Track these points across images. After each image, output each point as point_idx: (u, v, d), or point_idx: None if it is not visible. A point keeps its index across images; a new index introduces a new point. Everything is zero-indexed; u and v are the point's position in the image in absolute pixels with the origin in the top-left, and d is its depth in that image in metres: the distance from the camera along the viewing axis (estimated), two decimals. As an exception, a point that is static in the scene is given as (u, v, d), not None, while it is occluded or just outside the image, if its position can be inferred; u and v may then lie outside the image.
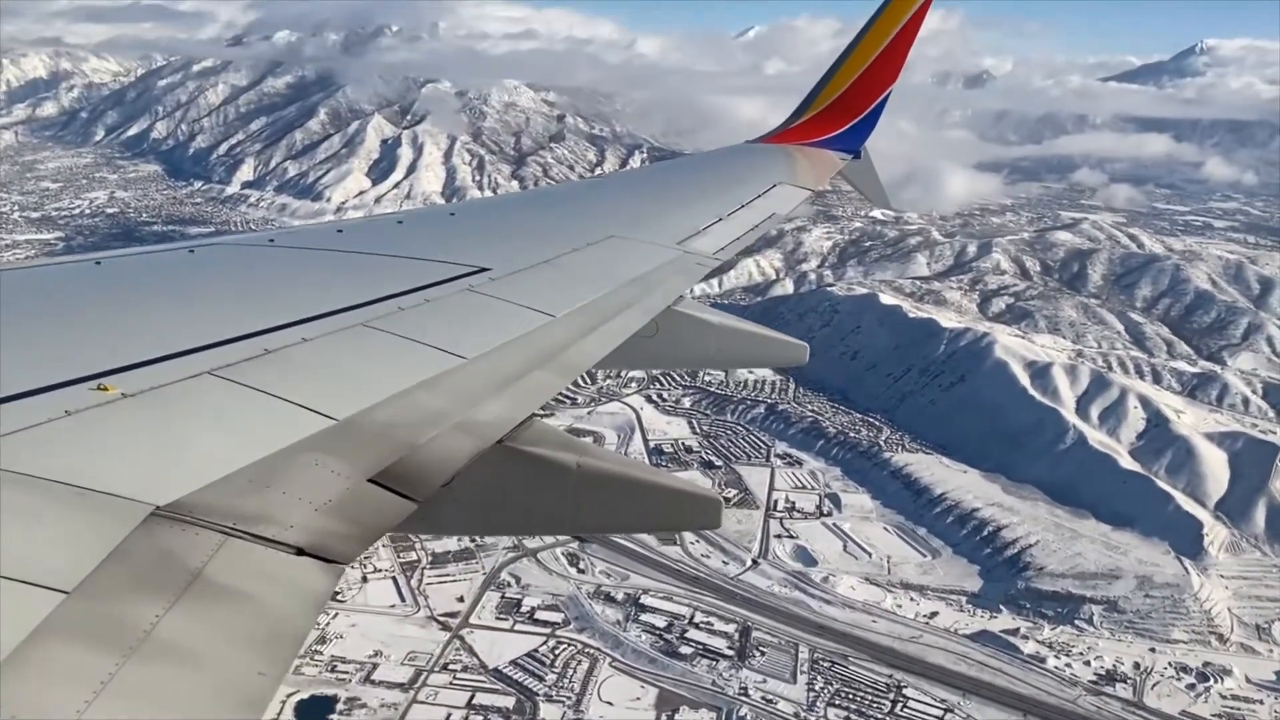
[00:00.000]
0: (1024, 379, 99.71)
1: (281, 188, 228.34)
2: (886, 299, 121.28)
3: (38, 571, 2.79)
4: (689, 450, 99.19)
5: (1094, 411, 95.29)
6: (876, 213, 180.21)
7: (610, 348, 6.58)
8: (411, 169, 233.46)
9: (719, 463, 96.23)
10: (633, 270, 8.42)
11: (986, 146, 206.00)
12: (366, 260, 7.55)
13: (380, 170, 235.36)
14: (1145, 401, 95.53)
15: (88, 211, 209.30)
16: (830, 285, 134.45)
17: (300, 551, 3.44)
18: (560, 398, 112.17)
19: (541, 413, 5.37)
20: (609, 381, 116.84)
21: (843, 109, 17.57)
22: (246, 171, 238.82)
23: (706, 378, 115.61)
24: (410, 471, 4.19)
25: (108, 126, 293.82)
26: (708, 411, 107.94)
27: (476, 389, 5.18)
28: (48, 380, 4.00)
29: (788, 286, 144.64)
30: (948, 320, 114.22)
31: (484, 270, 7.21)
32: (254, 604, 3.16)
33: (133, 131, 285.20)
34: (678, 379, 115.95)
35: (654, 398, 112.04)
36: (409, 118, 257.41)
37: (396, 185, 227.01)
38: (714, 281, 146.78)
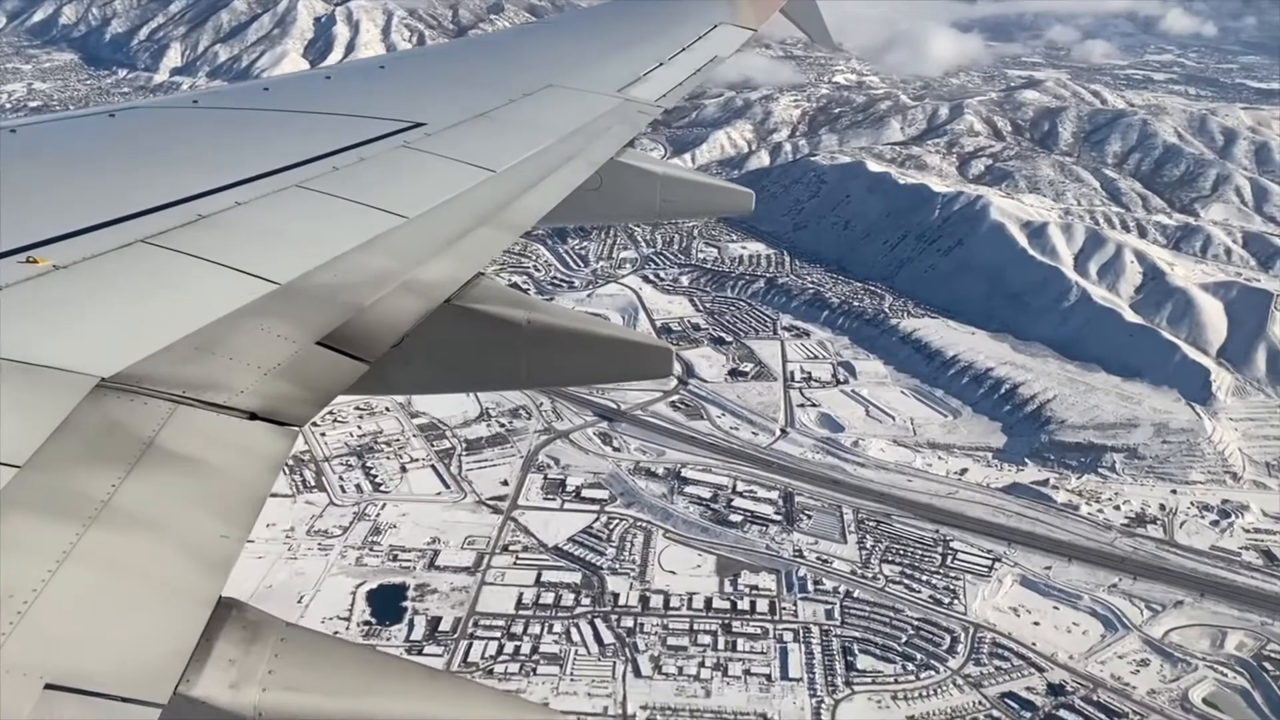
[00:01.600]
0: (1021, 239, 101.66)
1: (214, 73, 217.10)
2: (873, 166, 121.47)
3: None
4: (696, 328, 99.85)
5: (1092, 268, 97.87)
6: (840, 78, 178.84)
7: (554, 202, 6.65)
8: (351, 47, 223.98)
9: (728, 338, 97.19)
10: (573, 121, 8.42)
11: (953, 6, 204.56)
12: (297, 119, 7.47)
13: (317, 50, 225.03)
14: (1140, 256, 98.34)
15: (8, 106, 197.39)
16: (814, 155, 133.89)
17: (253, 416, 3.49)
18: (557, 281, 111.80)
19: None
20: (603, 263, 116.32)
21: None
22: (174, 57, 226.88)
23: (701, 254, 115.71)
24: (359, 333, 4.26)
25: (9, 12, 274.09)
26: (707, 289, 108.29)
27: (421, 248, 5.25)
28: None
29: (764, 159, 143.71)
30: (938, 185, 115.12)
31: (419, 125, 7.18)
32: (210, 469, 3.21)
33: (38, 17, 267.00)
34: (672, 258, 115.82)
35: (651, 277, 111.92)
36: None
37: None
38: (686, 157, 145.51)
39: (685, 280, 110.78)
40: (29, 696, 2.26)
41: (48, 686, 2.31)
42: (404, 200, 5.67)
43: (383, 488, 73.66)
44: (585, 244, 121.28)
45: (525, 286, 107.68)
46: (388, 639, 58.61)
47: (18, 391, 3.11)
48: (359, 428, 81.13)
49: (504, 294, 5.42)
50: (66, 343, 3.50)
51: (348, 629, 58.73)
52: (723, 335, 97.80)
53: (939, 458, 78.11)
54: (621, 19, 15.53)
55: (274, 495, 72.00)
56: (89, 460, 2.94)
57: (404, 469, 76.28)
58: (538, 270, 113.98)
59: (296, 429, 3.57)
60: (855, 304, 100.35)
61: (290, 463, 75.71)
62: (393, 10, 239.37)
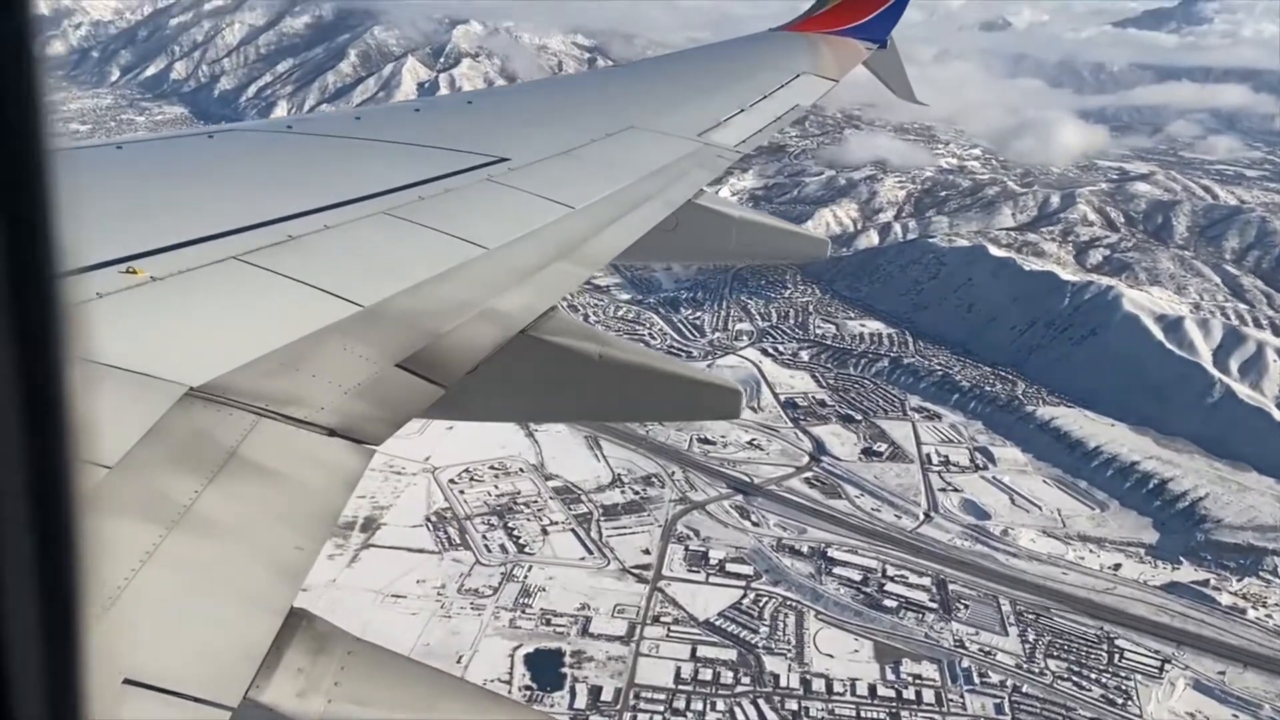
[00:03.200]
0: (1157, 332, 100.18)
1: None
2: (996, 251, 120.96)
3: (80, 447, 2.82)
4: (822, 404, 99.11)
5: (1233, 365, 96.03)
6: (944, 162, 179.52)
7: (631, 240, 6.66)
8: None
9: (857, 416, 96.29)
10: (653, 162, 8.47)
11: (1058, 94, 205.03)
12: (386, 148, 7.59)
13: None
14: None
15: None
16: (930, 237, 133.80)
17: (332, 433, 3.53)
18: (674, 350, 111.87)
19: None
20: (719, 334, 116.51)
21: None
22: (281, 115, 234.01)
23: (819, 330, 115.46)
24: (437, 358, 4.29)
25: (123, 67, 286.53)
26: (829, 365, 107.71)
27: (499, 279, 5.29)
28: (79, 263, 3.98)
29: (873, 238, 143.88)
30: (1067, 273, 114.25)
31: (503, 160, 7.24)
32: (288, 482, 3.26)
33: (150, 72, 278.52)
34: (789, 332, 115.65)
35: (770, 351, 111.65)
36: (443, 60, 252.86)
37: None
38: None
39: (805, 355, 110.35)
40: (109, 690, 2.31)
41: (126, 681, 2.35)
42: (485, 232, 5.77)
43: (527, 549, 73.33)
44: (699, 314, 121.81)
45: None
46: (551, 705, 57.79)
47: (112, 395, 3.20)
48: (496, 487, 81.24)
49: (577, 327, 5.47)
50: (159, 351, 3.60)
51: (510, 693, 57.99)
52: (851, 413, 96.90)
53: (1090, 551, 76.13)
54: (704, 64, 15.58)
55: (420, 550, 72.31)
56: (175, 465, 3.03)
57: (545, 531, 75.99)
58: (653, 339, 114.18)
59: (373, 448, 3.61)
60: (987, 388, 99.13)
61: (433, 519, 75.95)
62: (493, 80, 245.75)
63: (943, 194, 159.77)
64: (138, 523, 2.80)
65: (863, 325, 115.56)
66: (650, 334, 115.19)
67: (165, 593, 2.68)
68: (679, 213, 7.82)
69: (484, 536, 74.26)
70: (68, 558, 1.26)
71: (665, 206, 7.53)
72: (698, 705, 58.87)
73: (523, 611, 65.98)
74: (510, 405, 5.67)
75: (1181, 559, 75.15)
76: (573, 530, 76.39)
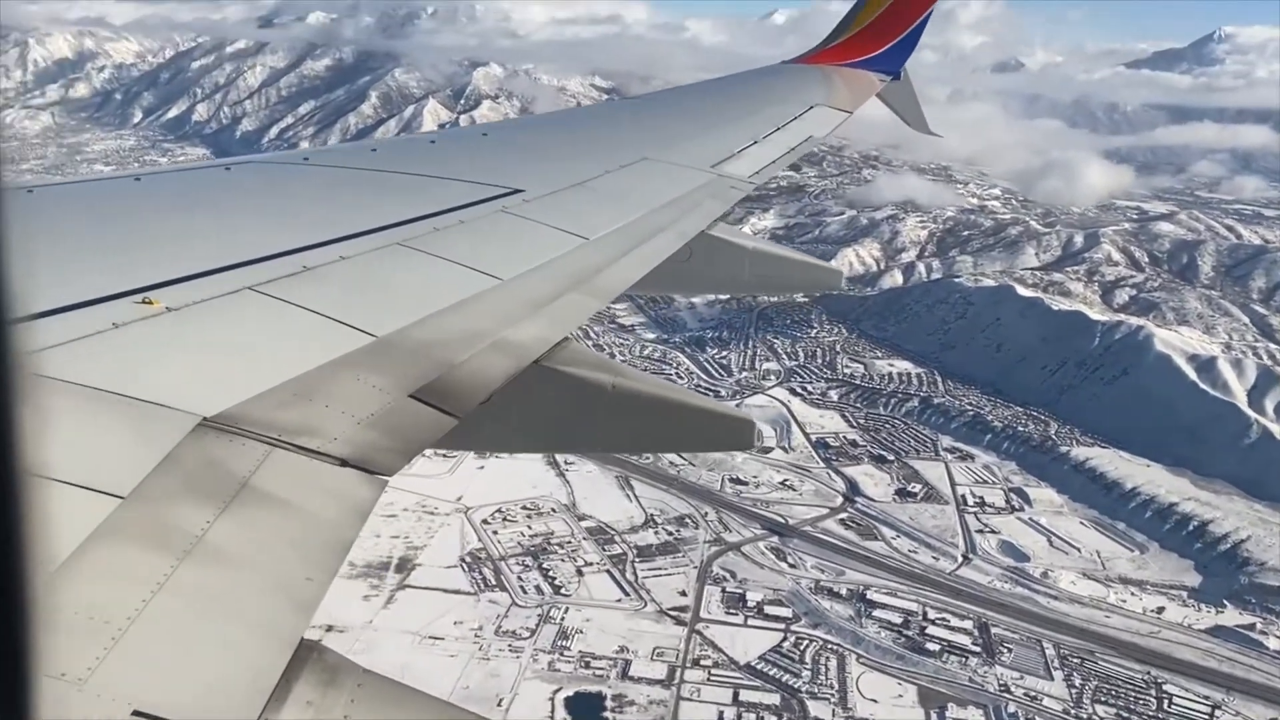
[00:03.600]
0: (1190, 373, 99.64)
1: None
2: (1023, 291, 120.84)
3: (94, 477, 2.88)
4: (854, 444, 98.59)
5: (1269, 405, 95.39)
6: (965, 202, 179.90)
7: (644, 271, 6.66)
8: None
9: (890, 457, 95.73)
10: (666, 194, 8.49)
11: (1077, 134, 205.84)
12: (401, 180, 7.64)
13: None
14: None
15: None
16: (956, 277, 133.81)
17: (344, 463, 3.53)
18: (702, 390, 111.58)
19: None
20: (746, 374, 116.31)
21: (882, 29, 17.18)
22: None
23: (847, 369, 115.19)
24: (450, 388, 4.30)
25: (145, 108, 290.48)
26: (858, 404, 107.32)
27: (513, 310, 5.30)
28: (95, 293, 4.07)
29: (897, 278, 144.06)
30: (1095, 313, 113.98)
31: (517, 192, 7.27)
32: (300, 512, 3.26)
33: (172, 114, 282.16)
34: (817, 371, 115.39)
35: (799, 390, 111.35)
36: (463, 102, 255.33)
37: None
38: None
39: (835, 395, 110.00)
40: None
41: (135, 713, 2.35)
42: (499, 263, 5.81)
43: (563, 590, 72.74)
44: (725, 353, 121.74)
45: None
46: (594, 751, 57.08)
47: (126, 425, 3.24)
48: (529, 527, 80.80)
49: (590, 358, 5.48)
50: (173, 381, 3.60)
51: (552, 737, 57.40)
52: (883, 453, 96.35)
53: (1132, 594, 75.16)
54: (717, 97, 15.55)
55: (456, 592, 71.79)
56: (187, 495, 3.04)
57: (580, 572, 75.38)
58: (680, 378, 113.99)
59: (385, 478, 3.61)
60: (1019, 429, 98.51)
61: (468, 559, 75.50)
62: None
63: (965, 234, 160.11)
64: (149, 553, 2.81)
65: (891, 365, 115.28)
66: (677, 373, 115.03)
67: (175, 623, 2.69)
68: (692, 243, 7.85)
69: (519, 577, 73.74)
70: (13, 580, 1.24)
71: (678, 237, 7.55)
72: (743, 751, 57.99)
73: (561, 654, 65.30)
74: (524, 436, 5.59)
75: (1225, 602, 74.12)
76: (608, 571, 75.80)
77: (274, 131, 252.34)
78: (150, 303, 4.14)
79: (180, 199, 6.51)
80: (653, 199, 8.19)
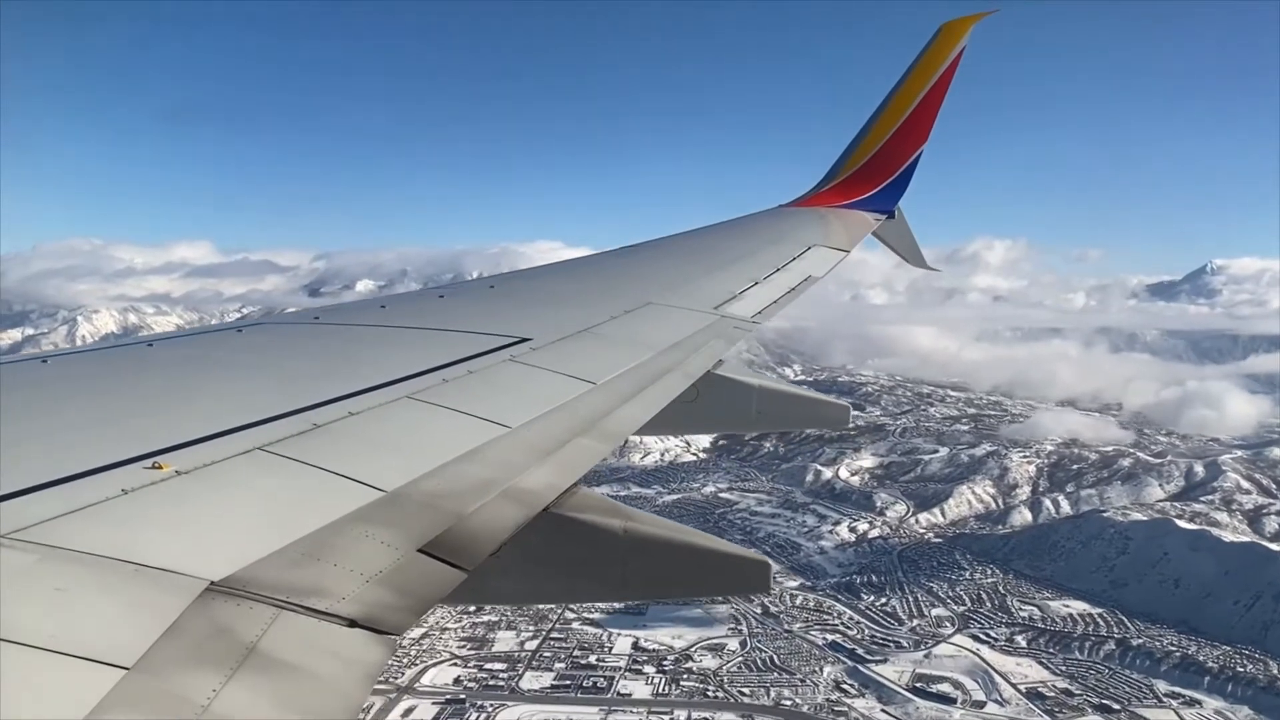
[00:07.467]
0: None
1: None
2: (1184, 524, 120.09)
3: (99, 648, 2.88)
4: (1069, 694, 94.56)
5: None
6: (1054, 436, 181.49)
7: (652, 413, 6.71)
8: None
9: (1115, 706, 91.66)
10: (671, 336, 8.63)
11: (1174, 367, 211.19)
12: (410, 334, 7.75)
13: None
14: None
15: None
16: (1103, 511, 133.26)
17: (353, 623, 3.53)
18: (881, 641, 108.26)
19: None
20: (918, 621, 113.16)
21: (875, 170, 17.89)
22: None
23: (1023, 612, 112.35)
24: (459, 541, 4.28)
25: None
26: (1051, 649, 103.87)
27: (521, 457, 5.28)
28: (106, 460, 4.15)
29: (1026, 515, 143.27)
30: (1272, 545, 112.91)
31: (525, 340, 7.38)
32: (309, 676, 3.23)
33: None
34: (991, 615, 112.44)
35: (982, 636, 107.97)
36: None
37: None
38: (935, 511, 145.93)
39: (1022, 640, 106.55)
40: None
41: None
42: (507, 411, 5.79)
43: None
44: (883, 599, 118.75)
45: (850, 647, 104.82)
46: None
47: (133, 592, 3.22)
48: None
49: (600, 503, 5.41)
50: (181, 545, 3.60)
51: None
52: (1105, 703, 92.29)
53: None
54: (717, 240, 15.88)
55: None
56: (194, 664, 2.99)
57: None
58: (849, 628, 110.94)
59: (395, 637, 3.58)
60: (1238, 669, 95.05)
61: None
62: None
63: (1074, 467, 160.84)
64: None
65: (1066, 605, 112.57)
66: (843, 624, 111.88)
67: None
68: (699, 383, 7.89)
69: None
70: None
71: (685, 378, 7.60)
72: None
73: None
74: (535, 587, 5.46)
75: None
76: None
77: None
78: (160, 467, 4.16)
79: (192, 362, 6.57)
80: (658, 342, 8.26)
